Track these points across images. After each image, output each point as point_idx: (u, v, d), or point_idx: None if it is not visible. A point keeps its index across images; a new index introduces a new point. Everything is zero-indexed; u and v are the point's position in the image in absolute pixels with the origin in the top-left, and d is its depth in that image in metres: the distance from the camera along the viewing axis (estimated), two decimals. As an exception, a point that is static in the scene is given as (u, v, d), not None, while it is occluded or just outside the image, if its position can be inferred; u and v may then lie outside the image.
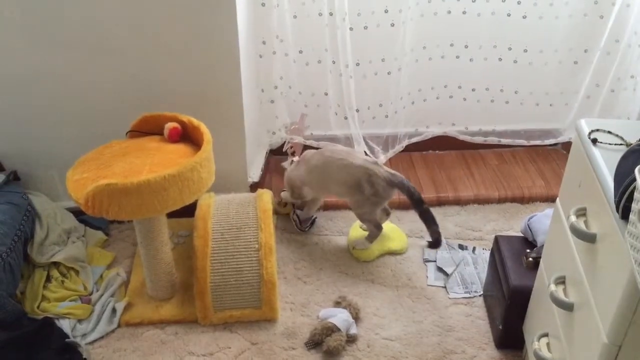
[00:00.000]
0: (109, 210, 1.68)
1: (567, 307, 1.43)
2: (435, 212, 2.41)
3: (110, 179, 1.69)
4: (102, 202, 1.67)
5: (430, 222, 2.12)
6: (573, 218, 1.35)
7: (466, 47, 2.45)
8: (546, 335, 1.59)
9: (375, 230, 2.24)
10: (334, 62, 2.41)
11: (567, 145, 2.76)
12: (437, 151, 2.79)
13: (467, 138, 2.72)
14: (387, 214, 2.32)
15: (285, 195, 2.39)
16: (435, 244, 2.15)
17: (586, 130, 1.42)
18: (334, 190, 2.27)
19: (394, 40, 2.38)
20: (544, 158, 2.79)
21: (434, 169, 2.69)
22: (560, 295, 1.45)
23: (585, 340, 1.32)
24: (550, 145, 2.78)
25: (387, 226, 2.37)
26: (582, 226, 1.33)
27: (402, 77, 2.47)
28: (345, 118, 2.54)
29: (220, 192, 2.18)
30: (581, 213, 1.37)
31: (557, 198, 1.60)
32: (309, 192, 2.31)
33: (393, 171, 2.15)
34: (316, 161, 2.23)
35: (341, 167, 2.16)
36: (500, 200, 2.55)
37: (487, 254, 2.29)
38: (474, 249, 2.32)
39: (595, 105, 2.48)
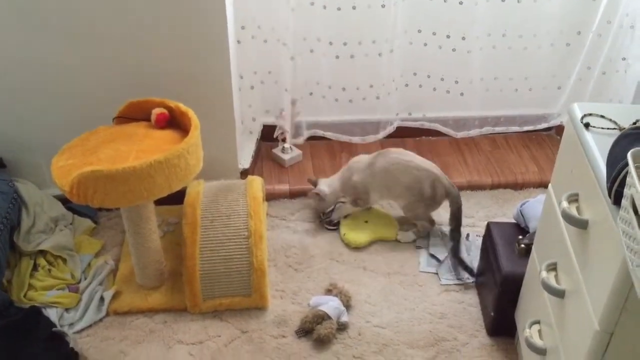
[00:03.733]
0: (94, 198, 1.65)
1: (559, 293, 1.41)
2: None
3: (95, 166, 1.66)
4: (87, 189, 1.64)
5: (455, 246, 2.17)
6: (565, 204, 1.33)
7: (463, 38, 2.41)
8: (538, 322, 1.58)
9: (428, 225, 2.28)
10: (330, 43, 2.38)
11: (560, 130, 2.74)
12: (430, 137, 2.76)
13: (463, 134, 2.71)
14: (432, 224, 2.31)
15: (346, 207, 2.32)
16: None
17: (579, 115, 1.40)
18: (396, 193, 2.24)
19: (385, 23, 2.35)
20: (538, 144, 2.76)
21: (426, 155, 2.62)
22: (552, 281, 1.43)
23: (577, 328, 1.31)
24: (544, 130, 2.76)
25: (378, 212, 2.35)
26: (573, 212, 1.31)
27: (394, 60, 2.44)
28: (336, 100, 2.51)
29: (210, 178, 2.15)
30: (573, 199, 1.35)
31: (549, 184, 1.58)
32: (374, 197, 2.28)
33: (451, 182, 2.22)
34: (382, 164, 2.21)
35: (408, 169, 2.18)
36: (494, 187, 2.53)
37: (480, 240, 2.27)
38: (467, 235, 2.30)
39: (587, 88, 2.45)
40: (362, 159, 2.29)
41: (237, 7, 2.22)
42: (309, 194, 2.34)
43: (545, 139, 2.78)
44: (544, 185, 2.54)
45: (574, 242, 1.36)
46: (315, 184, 2.31)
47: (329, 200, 2.29)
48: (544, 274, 1.45)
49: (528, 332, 1.56)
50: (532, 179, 2.55)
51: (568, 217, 1.30)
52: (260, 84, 2.46)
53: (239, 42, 2.30)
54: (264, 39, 2.35)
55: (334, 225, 2.33)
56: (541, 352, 1.52)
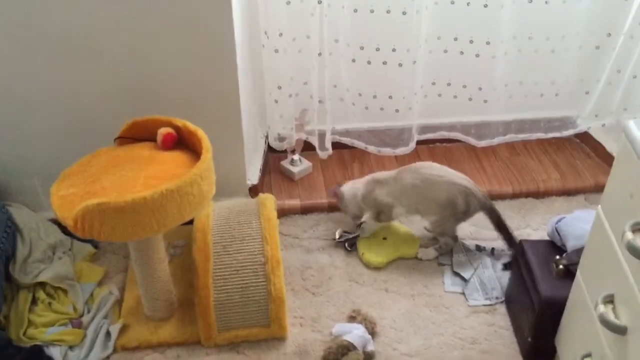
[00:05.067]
0: (100, 232, 1.50)
1: (620, 330, 1.29)
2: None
3: (101, 197, 1.51)
4: (92, 223, 1.48)
5: (512, 244, 2.07)
6: (630, 235, 1.20)
7: (488, 43, 2.27)
8: (589, 355, 1.46)
9: (451, 242, 2.16)
10: (348, 45, 2.25)
11: (581, 135, 2.62)
12: (444, 144, 2.63)
13: (485, 143, 2.57)
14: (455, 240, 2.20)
15: (370, 224, 2.19)
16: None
17: (637, 133, 1.27)
18: (425, 209, 2.11)
19: (407, 31, 2.21)
20: (557, 148, 2.64)
21: (442, 163, 2.53)
22: (611, 317, 1.31)
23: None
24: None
25: (397, 228, 2.24)
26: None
27: (417, 69, 2.30)
28: (353, 104, 2.38)
29: (217, 196, 1.98)
30: (637, 228, 1.22)
31: (599, 206, 1.45)
32: (398, 212, 2.15)
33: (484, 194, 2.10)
34: (413, 180, 2.07)
35: (441, 184, 2.04)
36: (515, 196, 2.41)
37: (506, 254, 2.16)
38: (492, 250, 2.18)
39: (616, 92, 2.32)
40: (387, 173, 2.16)
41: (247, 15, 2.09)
42: (329, 193, 2.26)
43: (565, 143, 2.66)
44: (566, 193, 2.43)
45: (636, 273, 1.24)
46: (340, 186, 2.22)
47: (347, 204, 2.18)
48: (601, 308, 1.33)
49: (580, 368, 1.44)
50: (554, 187, 2.43)
51: (635, 251, 1.18)
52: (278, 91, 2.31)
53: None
54: (274, 49, 2.19)
55: (352, 246, 2.20)
56: (597, 388, 1.40)
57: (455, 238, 2.16)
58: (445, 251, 2.16)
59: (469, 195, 2.04)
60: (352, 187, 2.20)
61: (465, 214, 2.08)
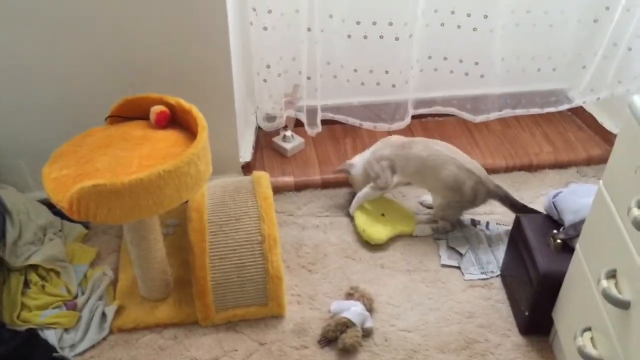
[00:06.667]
0: (96, 214, 1.46)
1: (623, 305, 1.29)
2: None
3: (95, 178, 1.47)
4: (88, 205, 1.45)
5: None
6: (636, 211, 1.20)
7: (485, 17, 2.23)
8: (589, 329, 1.47)
9: (449, 228, 2.14)
10: (343, 21, 2.20)
11: (572, 107, 2.61)
12: (436, 118, 2.61)
13: (482, 118, 2.53)
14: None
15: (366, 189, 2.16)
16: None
17: (641, 108, 1.26)
18: (429, 185, 2.09)
19: (405, 4, 2.16)
20: (549, 120, 2.64)
21: (434, 138, 2.52)
22: (614, 292, 1.31)
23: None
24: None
25: (393, 204, 2.22)
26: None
27: (413, 45, 2.25)
28: (348, 81, 2.34)
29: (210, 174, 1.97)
30: (643, 204, 1.22)
31: (600, 181, 1.45)
32: (399, 181, 2.11)
33: (497, 183, 2.06)
34: (421, 151, 2.04)
35: (450, 165, 2.00)
36: (508, 170, 2.41)
37: (502, 228, 2.17)
38: (487, 224, 2.18)
39: (612, 65, 2.31)
40: (396, 138, 2.14)
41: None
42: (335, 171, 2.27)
43: (557, 115, 2.65)
44: (559, 165, 2.43)
45: (641, 249, 1.24)
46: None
47: (355, 173, 2.16)
48: (604, 283, 1.33)
49: (580, 341, 1.45)
50: (547, 160, 2.43)
51: (641, 226, 1.18)
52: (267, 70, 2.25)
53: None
54: (263, 26, 2.13)
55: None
56: (597, 362, 1.42)
57: (454, 225, 2.15)
58: (442, 233, 2.15)
59: (478, 184, 2.01)
60: (361, 157, 2.18)
61: (471, 204, 2.06)
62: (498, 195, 2.05)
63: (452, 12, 2.23)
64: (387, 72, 2.33)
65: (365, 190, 2.15)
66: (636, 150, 1.27)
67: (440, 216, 2.12)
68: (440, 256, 2.07)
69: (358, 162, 2.17)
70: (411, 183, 2.16)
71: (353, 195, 2.22)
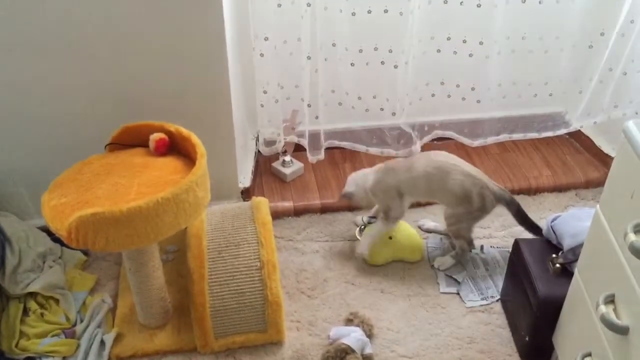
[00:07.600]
0: (95, 243, 1.47)
1: (621, 331, 1.29)
2: (436, 208, 2.28)
3: (94, 206, 1.48)
4: (87, 234, 1.45)
5: (538, 234, 2.01)
6: (632, 237, 1.20)
7: (481, 43, 2.25)
8: (589, 355, 1.46)
9: (466, 247, 2.11)
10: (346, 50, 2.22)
11: (572, 133, 2.62)
12: (434, 141, 2.62)
13: (480, 143, 2.53)
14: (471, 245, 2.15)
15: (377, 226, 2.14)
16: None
17: (636, 133, 1.27)
18: (438, 197, 2.08)
19: (402, 31, 2.17)
20: (547, 144, 2.66)
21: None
22: (613, 317, 1.31)
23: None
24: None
25: (405, 231, 2.18)
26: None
27: (410, 70, 2.26)
28: (353, 107, 2.35)
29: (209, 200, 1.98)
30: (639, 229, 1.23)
31: (597, 205, 1.45)
32: (407, 201, 2.10)
33: (501, 185, 2.04)
34: (425, 167, 2.02)
35: (456, 173, 1.99)
36: (507, 193, 2.41)
37: (497, 252, 2.16)
38: (481, 247, 2.18)
39: (607, 90, 2.32)
40: (396, 162, 2.11)
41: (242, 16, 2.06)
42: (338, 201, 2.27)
43: (555, 139, 2.66)
44: (558, 189, 2.44)
45: (639, 274, 1.24)
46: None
47: (358, 199, 2.13)
48: (603, 308, 1.33)
49: (581, 367, 1.45)
50: (546, 184, 2.44)
51: (638, 252, 1.18)
52: (264, 94, 2.26)
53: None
54: (260, 53, 2.15)
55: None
56: (598, 387, 1.41)
57: (470, 242, 2.11)
58: (462, 257, 2.13)
59: (484, 189, 1.98)
60: (356, 180, 2.13)
61: (482, 211, 2.02)
62: (505, 199, 2.02)
63: (448, 39, 2.24)
64: (387, 99, 2.34)
65: (378, 227, 2.12)
66: (632, 175, 1.28)
67: (455, 232, 2.08)
68: (439, 284, 2.07)
69: (352, 184, 2.12)
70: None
71: (354, 225, 2.24)
